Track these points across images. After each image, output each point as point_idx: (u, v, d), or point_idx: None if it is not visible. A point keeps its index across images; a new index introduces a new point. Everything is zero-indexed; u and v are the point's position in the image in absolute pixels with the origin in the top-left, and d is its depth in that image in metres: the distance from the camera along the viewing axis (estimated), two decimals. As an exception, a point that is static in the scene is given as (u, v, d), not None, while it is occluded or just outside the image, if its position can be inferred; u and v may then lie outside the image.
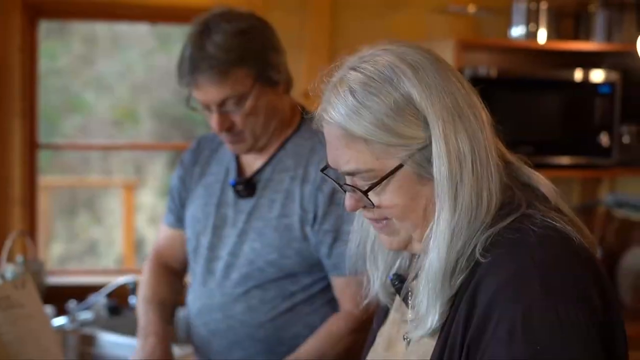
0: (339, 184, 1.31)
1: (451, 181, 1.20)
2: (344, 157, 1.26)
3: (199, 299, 2.15)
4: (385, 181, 1.24)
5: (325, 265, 2.03)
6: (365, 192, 1.26)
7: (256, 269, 2.05)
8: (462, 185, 1.20)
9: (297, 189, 2.04)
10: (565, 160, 3.48)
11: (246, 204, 2.11)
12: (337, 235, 1.98)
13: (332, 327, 2.00)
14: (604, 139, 3.49)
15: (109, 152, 6.86)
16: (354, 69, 1.26)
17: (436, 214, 1.22)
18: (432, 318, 1.24)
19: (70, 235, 7.41)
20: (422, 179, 1.24)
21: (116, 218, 7.06)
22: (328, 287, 2.07)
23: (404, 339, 1.36)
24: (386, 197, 1.26)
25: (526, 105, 3.47)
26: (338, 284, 2.02)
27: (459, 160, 1.21)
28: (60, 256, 7.15)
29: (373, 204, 1.27)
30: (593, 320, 1.15)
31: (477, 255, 1.21)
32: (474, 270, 1.21)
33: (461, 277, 1.22)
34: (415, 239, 1.30)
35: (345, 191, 1.31)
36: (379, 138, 1.22)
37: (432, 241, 1.23)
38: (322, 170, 1.37)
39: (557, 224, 1.21)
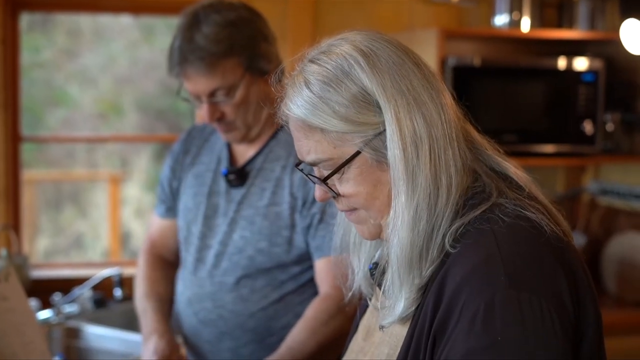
0: (308, 176, 1.32)
1: (406, 164, 1.21)
2: (305, 148, 1.28)
3: (189, 288, 2.15)
4: (344, 168, 1.26)
5: (310, 248, 2.03)
6: (324, 180, 1.28)
7: (246, 257, 2.05)
8: (418, 168, 1.21)
9: (287, 177, 2.05)
10: (549, 148, 3.49)
11: (237, 193, 2.11)
12: (322, 217, 2.00)
13: (308, 312, 2.00)
14: (588, 127, 3.50)
15: (94, 145, 6.83)
16: (311, 60, 1.28)
17: (393, 198, 1.23)
18: (399, 304, 1.25)
19: (55, 229, 7.38)
20: (382, 165, 1.25)
21: (102, 211, 7.05)
22: None
23: (380, 327, 1.36)
24: (349, 185, 1.27)
25: (510, 93, 3.48)
26: (319, 265, 2.03)
27: (414, 144, 1.21)
28: (46, 250, 7.13)
29: (336, 193, 1.29)
30: (560, 315, 1.14)
31: (447, 246, 1.21)
32: (444, 261, 1.21)
33: (432, 268, 1.22)
34: (384, 227, 1.30)
35: (314, 183, 1.33)
36: (334, 126, 1.23)
37: (392, 226, 1.23)
38: (296, 165, 1.38)
39: (529, 213, 1.21)
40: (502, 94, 3.46)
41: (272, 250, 2.04)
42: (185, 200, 2.22)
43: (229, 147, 2.19)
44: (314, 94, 1.24)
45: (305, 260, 2.06)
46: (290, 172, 2.05)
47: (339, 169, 1.26)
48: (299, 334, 1.96)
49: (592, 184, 3.83)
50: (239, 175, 2.11)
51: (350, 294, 1.45)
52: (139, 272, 2.32)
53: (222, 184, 2.15)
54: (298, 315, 2.05)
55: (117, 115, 7.26)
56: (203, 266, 2.13)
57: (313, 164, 1.30)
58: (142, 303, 2.22)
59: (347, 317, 1.92)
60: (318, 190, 1.32)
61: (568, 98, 3.49)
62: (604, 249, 3.71)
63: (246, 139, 2.11)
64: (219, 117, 2.03)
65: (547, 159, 3.52)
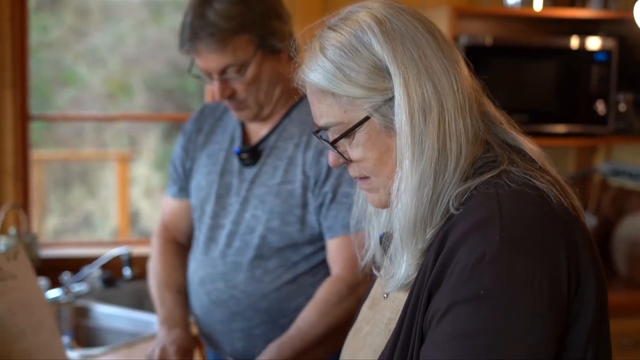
0: (322, 139, 1.34)
1: (412, 131, 1.21)
2: (318, 112, 1.31)
3: (202, 267, 2.14)
4: (353, 133, 1.27)
5: (322, 228, 2.01)
6: (333, 143, 1.30)
7: (258, 236, 2.04)
8: (425, 136, 1.21)
9: (300, 155, 2.03)
10: (560, 128, 3.46)
11: (250, 171, 2.10)
12: (334, 196, 1.98)
13: (319, 293, 1.98)
14: (600, 107, 3.47)
15: (102, 125, 6.82)
16: (329, 27, 1.30)
17: (398, 163, 1.24)
18: (402, 269, 1.25)
19: (64, 209, 7.39)
20: (390, 132, 1.26)
21: (111, 191, 7.05)
22: None
23: (384, 296, 1.37)
24: (358, 150, 1.29)
25: (522, 73, 3.45)
26: (330, 246, 2.01)
27: (422, 111, 1.22)
28: (55, 229, 7.14)
29: (346, 158, 1.31)
30: (552, 285, 1.12)
31: (452, 210, 1.21)
32: (446, 223, 1.21)
33: (434, 230, 1.22)
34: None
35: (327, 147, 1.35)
36: (345, 91, 1.25)
37: (396, 191, 1.24)
38: (315, 133, 1.40)
39: (538, 183, 1.20)
40: (513, 73, 3.43)
41: (284, 229, 2.02)
42: (198, 179, 2.20)
43: (243, 125, 2.17)
44: (327, 59, 1.26)
45: (317, 240, 2.04)
46: (303, 150, 2.03)
47: (347, 133, 1.28)
48: (309, 316, 1.95)
49: (603, 165, 3.80)
50: (251, 154, 2.10)
51: (363, 263, 1.46)
52: (154, 258, 2.31)
53: (235, 163, 2.13)
54: (311, 298, 2.03)
55: (125, 95, 7.24)
56: (215, 246, 2.12)
57: (325, 128, 1.32)
58: (162, 292, 2.20)
59: (358, 298, 1.91)
60: (331, 155, 1.35)
61: (580, 78, 3.46)
62: (615, 230, 3.69)
63: (258, 117, 2.09)
64: (230, 94, 2.02)
65: (559, 139, 3.49)
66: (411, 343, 1.20)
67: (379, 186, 1.31)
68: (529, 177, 1.21)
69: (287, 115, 2.10)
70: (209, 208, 2.14)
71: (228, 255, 2.08)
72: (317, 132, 1.39)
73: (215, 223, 2.12)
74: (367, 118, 1.26)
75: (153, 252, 2.32)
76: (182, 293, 2.21)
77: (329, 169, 1.98)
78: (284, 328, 2.02)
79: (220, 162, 2.16)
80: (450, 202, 1.21)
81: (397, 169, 1.24)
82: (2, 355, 1.96)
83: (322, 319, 1.94)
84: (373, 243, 1.42)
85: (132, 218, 6.86)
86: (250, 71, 1.99)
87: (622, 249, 3.64)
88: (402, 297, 1.29)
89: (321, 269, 2.07)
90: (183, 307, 2.17)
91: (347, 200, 1.95)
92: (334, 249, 2.00)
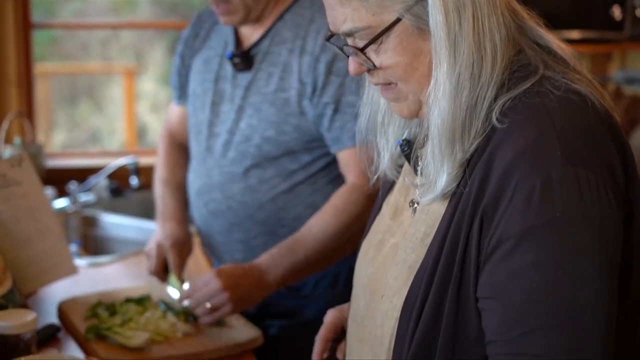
0: (341, 49, 1.27)
1: (448, 31, 1.15)
2: (340, 17, 1.22)
3: (199, 178, 2.11)
4: (383, 37, 1.20)
5: (326, 140, 1.97)
6: (363, 49, 1.22)
7: (253, 145, 1.99)
8: (461, 36, 1.15)
9: (295, 61, 1.97)
10: (574, 34, 3.38)
11: (244, 78, 2.04)
12: (338, 107, 1.92)
13: (336, 201, 1.95)
14: (616, 11, 3.38)
15: (108, 39, 6.73)
16: None
17: (434, 67, 1.17)
18: (441, 179, 1.20)
19: (72, 124, 7.38)
20: (423, 34, 1.19)
21: (118, 106, 7.01)
22: (329, 166, 2.02)
23: (410, 205, 1.32)
24: (387, 55, 1.22)
25: (536, -23, 3.35)
26: (341, 158, 1.97)
27: (457, 10, 1.15)
28: (63, 144, 7.13)
29: (374, 65, 1.23)
30: (614, 192, 1.11)
31: (494, 120, 1.15)
32: (489, 136, 1.16)
33: (476, 142, 1.17)
34: (424, 102, 1.24)
35: (348, 55, 1.27)
36: None
37: (433, 97, 1.18)
38: (327, 39, 1.33)
39: (579, 87, 1.16)
40: (527, -23, 3.33)
41: (280, 138, 1.98)
42: (194, 86, 2.15)
43: (236, 30, 2.10)
44: None
45: (315, 148, 1.99)
46: (298, 55, 1.96)
47: (377, 37, 1.20)
48: (327, 225, 1.91)
49: (617, 73, 3.73)
50: (243, 59, 2.03)
51: (375, 177, 1.41)
52: (159, 159, 2.32)
53: (228, 68, 2.07)
54: (310, 206, 2.01)
55: (130, 9, 7.14)
56: (211, 156, 2.08)
57: (349, 34, 1.24)
58: (160, 188, 2.22)
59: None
60: (352, 63, 1.26)
61: (596, -19, 3.37)
62: (630, 140, 3.63)
63: (247, 20, 2.01)
64: None
65: (572, 45, 3.37)
66: (456, 263, 1.16)
67: (408, 93, 1.25)
68: (568, 82, 1.16)
69: (280, 18, 2.02)
70: (204, 117, 2.10)
71: (224, 166, 2.05)
72: (329, 38, 1.32)
73: (210, 132, 2.08)
74: (398, 20, 1.19)
75: (158, 156, 2.33)
76: (180, 189, 2.22)
77: (327, 77, 1.92)
78: (283, 238, 1.98)
79: (214, 68, 2.10)
80: (493, 112, 1.16)
81: (434, 73, 1.17)
82: (8, 262, 1.94)
83: (340, 229, 1.91)
84: (387, 155, 1.37)
85: (139, 133, 6.84)
86: None
87: (635, 159, 3.59)
88: (437, 210, 1.24)
89: (320, 177, 2.03)
90: (180, 202, 2.18)
91: (351, 109, 1.89)
92: (346, 161, 1.96)
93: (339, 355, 1.49)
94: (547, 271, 1.08)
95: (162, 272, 2.04)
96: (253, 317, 2.00)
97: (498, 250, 1.11)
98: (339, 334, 1.51)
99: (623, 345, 1.17)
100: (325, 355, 1.50)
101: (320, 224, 1.93)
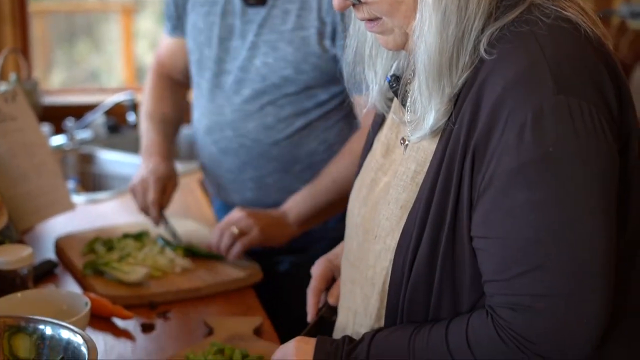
0: None
1: None
2: None
3: (207, 116, 2.06)
4: None
5: (346, 82, 1.92)
6: None
7: (270, 85, 1.95)
8: None
9: None
10: (579, -34, 3.31)
11: (255, 13, 1.96)
12: None
13: (353, 145, 1.92)
14: (622, -57, 3.31)
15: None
16: None
17: (419, 1, 1.14)
18: (429, 116, 1.17)
19: (70, 63, 7.31)
20: None
21: (116, 45, 6.94)
22: (344, 103, 1.96)
23: (401, 142, 1.29)
24: None
25: None
26: (358, 102, 1.93)
27: None
28: (62, 84, 7.08)
29: (358, 0, 1.20)
30: (608, 121, 1.08)
31: (482, 51, 1.12)
32: (478, 68, 1.13)
33: (464, 76, 1.14)
34: (410, 35, 1.21)
35: None
36: None
37: (419, 32, 1.14)
38: None
39: (569, 14, 1.12)
40: None
41: (299, 77, 1.93)
42: (195, 19, 2.08)
43: None
44: None
45: (332, 85, 1.95)
46: None
47: None
48: (345, 168, 1.89)
49: (622, 6, 3.67)
50: None
51: (365, 110, 1.39)
52: (145, 92, 2.26)
53: (236, 2, 2.00)
54: (324, 142, 1.99)
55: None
56: (221, 93, 2.03)
57: None
58: (145, 122, 2.18)
59: None
60: None
61: None
62: (633, 74, 3.61)
63: None
64: None
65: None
66: (450, 203, 1.14)
67: (394, 27, 1.21)
68: (559, 9, 1.12)
69: None
70: (211, 52, 2.03)
71: (236, 103, 2.00)
72: None
73: (219, 69, 2.02)
74: None
75: (145, 89, 2.27)
76: (165, 123, 2.18)
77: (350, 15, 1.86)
78: (296, 175, 1.98)
79: (220, 1, 2.02)
80: (481, 43, 1.12)
81: (419, 7, 1.14)
82: (4, 198, 1.93)
83: (352, 167, 1.86)
84: (376, 87, 1.34)
85: (137, 72, 6.78)
86: None
87: (639, 94, 3.56)
88: (427, 147, 1.21)
89: (334, 114, 1.99)
90: (165, 136, 2.15)
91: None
92: (364, 104, 1.91)
93: (330, 299, 1.48)
94: (543, 209, 1.06)
95: (148, 208, 2.02)
96: (263, 254, 2.00)
97: (491, 188, 1.09)
98: (330, 284, 1.51)
99: (622, 281, 1.15)
100: (319, 305, 1.50)
101: (339, 167, 1.92)
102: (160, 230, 2.04)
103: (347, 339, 1.25)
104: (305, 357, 1.25)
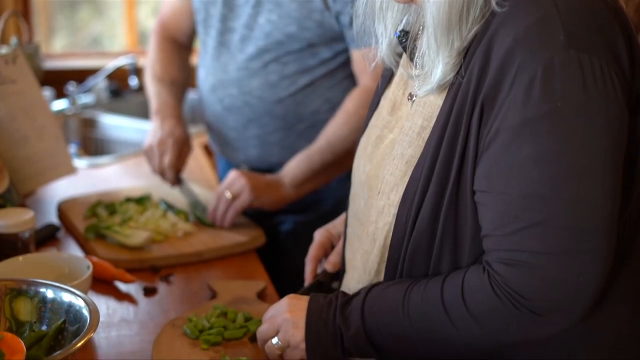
0: None
1: None
2: None
3: (212, 74, 2.05)
4: None
5: (346, 36, 1.91)
6: None
7: (274, 42, 1.93)
8: None
9: None
10: None
11: None
12: None
13: (348, 105, 1.92)
14: None
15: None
16: None
17: None
18: (437, 70, 1.15)
19: (72, 29, 7.27)
20: None
21: (118, 11, 6.90)
22: (348, 61, 1.97)
23: (409, 99, 1.27)
24: None
25: None
26: (356, 57, 1.91)
27: None
28: (64, 50, 7.03)
29: None
30: (620, 78, 1.05)
31: (494, 4, 1.09)
32: (489, 21, 1.10)
33: (474, 29, 1.11)
34: None
35: None
36: None
37: None
38: None
39: None
40: None
41: (302, 34, 1.91)
42: (200, -22, 2.06)
43: None
44: None
45: (336, 44, 1.94)
46: None
47: None
48: (339, 129, 1.90)
49: (630, -30, 3.62)
50: None
51: (373, 64, 1.35)
52: (150, 53, 2.24)
53: None
54: (328, 101, 1.98)
55: None
56: (227, 51, 2.01)
57: None
58: (155, 85, 2.16)
59: None
60: None
61: None
62: (639, 38, 3.55)
63: None
64: None
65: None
66: (456, 157, 1.12)
67: None
68: None
69: None
70: (217, 10, 2.01)
71: (240, 61, 1.99)
72: None
73: (224, 27, 2.01)
74: None
75: (150, 48, 2.25)
76: (176, 85, 2.17)
77: None
78: (300, 133, 1.98)
79: None
80: None
81: None
82: (5, 161, 1.91)
83: (352, 133, 1.87)
84: (385, 41, 1.32)
85: (140, 38, 6.74)
86: None
87: (645, 58, 3.52)
88: (434, 102, 1.19)
89: (339, 72, 1.98)
90: (177, 99, 2.14)
91: None
92: (360, 60, 1.90)
93: (327, 266, 1.48)
94: (547, 165, 1.04)
95: (164, 171, 2.01)
96: (264, 215, 1.99)
97: (496, 142, 1.07)
98: (329, 252, 1.51)
99: (625, 246, 1.14)
100: (317, 272, 1.50)
101: (335, 129, 1.91)
102: (175, 192, 2.03)
103: (341, 294, 1.24)
104: (298, 313, 1.24)
